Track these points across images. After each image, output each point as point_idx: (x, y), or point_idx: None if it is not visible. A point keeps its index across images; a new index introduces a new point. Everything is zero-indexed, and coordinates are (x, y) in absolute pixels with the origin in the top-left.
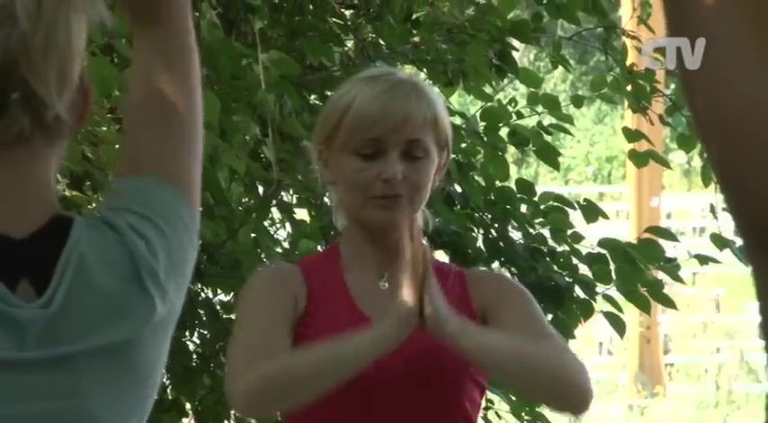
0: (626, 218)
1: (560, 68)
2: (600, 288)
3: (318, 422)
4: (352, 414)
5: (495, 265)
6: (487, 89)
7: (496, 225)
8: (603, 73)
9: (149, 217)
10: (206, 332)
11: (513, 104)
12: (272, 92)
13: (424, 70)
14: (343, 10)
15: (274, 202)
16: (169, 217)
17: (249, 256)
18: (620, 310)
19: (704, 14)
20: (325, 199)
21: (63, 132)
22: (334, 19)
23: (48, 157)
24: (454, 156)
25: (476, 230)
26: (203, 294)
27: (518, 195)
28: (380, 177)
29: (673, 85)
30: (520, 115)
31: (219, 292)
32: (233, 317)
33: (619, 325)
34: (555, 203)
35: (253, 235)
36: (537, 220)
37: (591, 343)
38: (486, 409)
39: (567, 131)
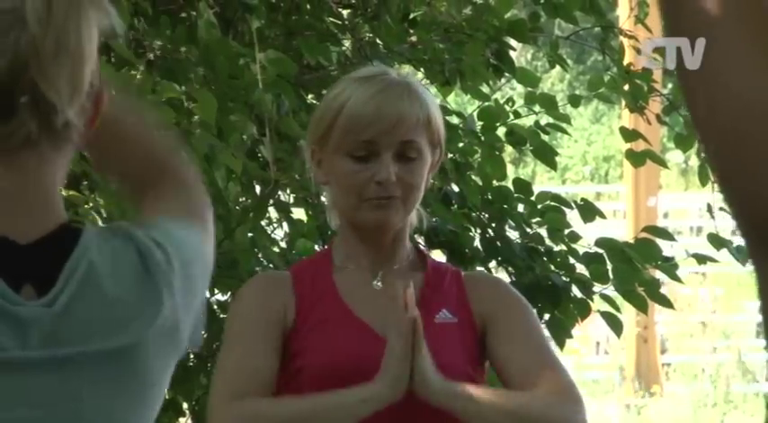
0: (623, 217)
1: (557, 68)
2: (597, 287)
3: None
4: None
5: (493, 264)
6: (485, 89)
7: (493, 224)
8: (601, 72)
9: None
10: (203, 332)
11: (510, 104)
12: (270, 91)
13: (422, 70)
14: (340, 9)
15: (271, 201)
16: (187, 247)
17: (246, 255)
18: (617, 309)
19: (702, 16)
20: (322, 198)
21: (71, 138)
22: (331, 18)
23: (55, 162)
24: (451, 155)
25: (473, 230)
26: None
27: (515, 195)
28: (374, 179)
29: (670, 85)
30: (517, 115)
31: (217, 291)
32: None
33: (616, 324)
34: (552, 203)
35: (250, 234)
36: (534, 220)
37: (588, 342)
38: None
39: (564, 131)
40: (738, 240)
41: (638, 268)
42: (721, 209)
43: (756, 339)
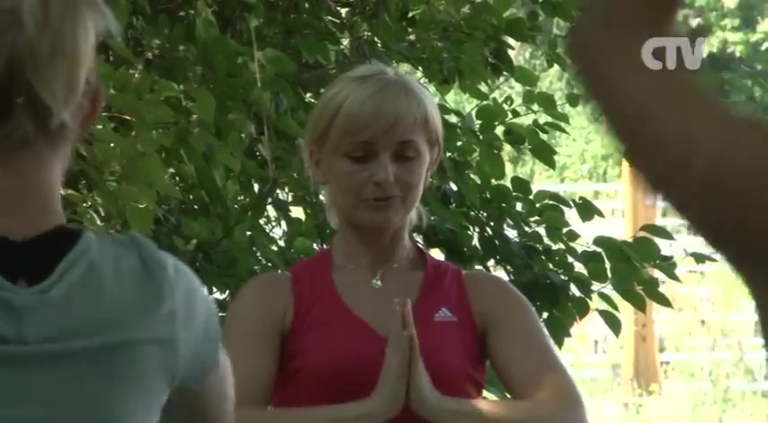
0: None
1: (556, 67)
2: (595, 286)
3: None
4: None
5: (491, 263)
6: (483, 87)
7: (492, 223)
8: None
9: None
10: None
11: (508, 103)
12: (268, 90)
13: (420, 68)
14: (338, 8)
15: (270, 200)
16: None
17: (245, 254)
18: (615, 308)
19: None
20: (321, 197)
21: (68, 137)
22: (329, 17)
23: (52, 162)
24: (450, 154)
25: (471, 229)
26: None
27: (513, 193)
28: (372, 180)
29: None
30: (515, 114)
31: (215, 290)
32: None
33: (614, 323)
34: (550, 202)
35: (248, 233)
36: (532, 219)
37: (586, 341)
38: None
39: (562, 130)
40: None
41: (636, 267)
42: None
43: (755, 338)
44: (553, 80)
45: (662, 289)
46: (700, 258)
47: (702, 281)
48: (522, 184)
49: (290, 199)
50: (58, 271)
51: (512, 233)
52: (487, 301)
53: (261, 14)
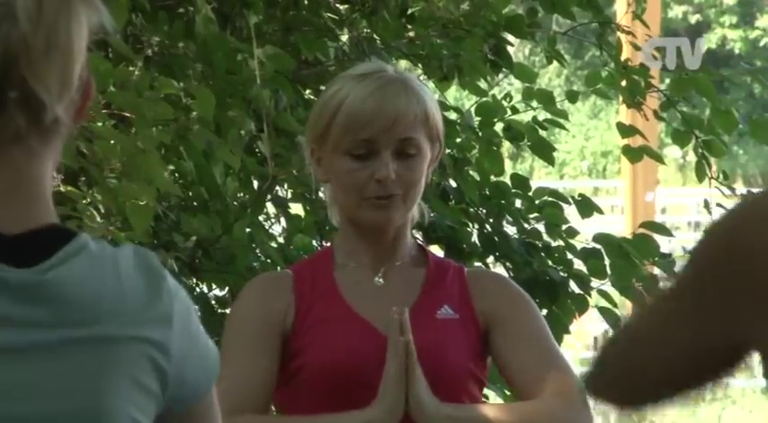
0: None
1: (555, 63)
2: (595, 283)
3: None
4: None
5: (490, 260)
6: (482, 84)
7: (491, 220)
8: (598, 68)
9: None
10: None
11: (508, 99)
12: (267, 87)
13: (419, 65)
14: (337, 5)
15: (269, 196)
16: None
17: (244, 250)
18: (614, 305)
19: None
20: (320, 194)
21: (60, 132)
22: (328, 14)
23: (43, 156)
24: (449, 151)
25: (471, 225)
26: (198, 289)
27: (513, 190)
28: (374, 178)
29: (667, 81)
30: (515, 110)
31: (214, 286)
32: (228, 311)
33: (613, 320)
34: (550, 198)
35: (248, 230)
36: (532, 215)
37: (585, 338)
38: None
39: (561, 126)
40: None
41: (635, 264)
42: (719, 205)
43: None
44: (552, 77)
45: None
46: None
47: None
48: (521, 181)
49: (289, 196)
50: (58, 257)
51: (511, 230)
52: (490, 298)
53: (260, 11)
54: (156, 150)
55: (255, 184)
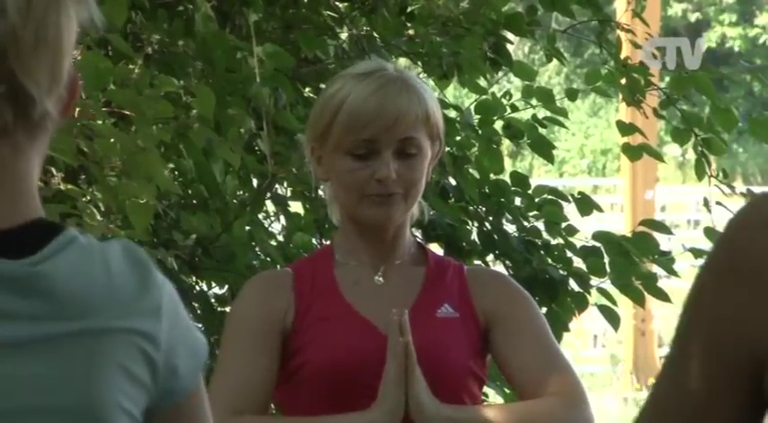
0: (620, 211)
1: (555, 61)
2: (594, 281)
3: None
4: (354, 410)
5: (490, 258)
6: (482, 82)
7: (491, 218)
8: (598, 66)
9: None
10: (200, 325)
11: (507, 97)
12: (267, 85)
13: (419, 63)
14: (337, 3)
15: (269, 195)
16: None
17: (244, 249)
18: (614, 303)
19: None
20: (320, 192)
21: (47, 128)
22: (328, 12)
23: (29, 152)
24: (449, 149)
25: (470, 223)
26: (198, 287)
27: (512, 188)
28: (375, 177)
29: (667, 79)
30: (514, 108)
31: (214, 284)
32: (228, 310)
33: (613, 318)
34: (549, 196)
35: (247, 228)
36: (531, 213)
37: (585, 336)
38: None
39: (561, 124)
40: None
41: (635, 262)
42: (718, 203)
43: None
44: (552, 75)
45: (661, 284)
46: (698, 253)
47: None
48: (520, 179)
49: (288, 194)
50: (47, 250)
51: (510, 228)
52: (490, 296)
53: (260, 9)
54: (155, 148)
55: (255, 182)
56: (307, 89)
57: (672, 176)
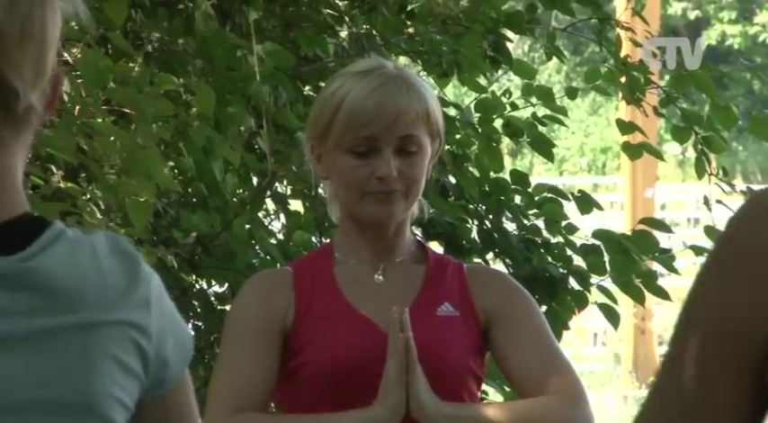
0: (620, 209)
1: (555, 60)
2: (594, 279)
3: None
4: (354, 408)
5: (490, 256)
6: (482, 80)
7: (491, 216)
8: (598, 64)
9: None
10: (200, 323)
11: (507, 96)
12: (267, 83)
13: (419, 61)
14: (337, 1)
15: (269, 193)
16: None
17: (243, 247)
18: (614, 301)
19: None
20: (320, 190)
21: (31, 123)
22: (328, 10)
23: (13, 147)
24: (449, 147)
25: (470, 222)
26: (197, 286)
27: (512, 186)
28: (375, 175)
29: (667, 77)
30: (514, 106)
31: (214, 283)
32: (228, 308)
33: (613, 316)
34: (549, 195)
35: (247, 226)
36: (531, 212)
37: (585, 334)
38: (481, 400)
39: (561, 123)
40: None
41: (635, 260)
42: (718, 201)
43: None
44: (552, 73)
45: (661, 282)
46: (698, 251)
47: None
48: (520, 177)
49: (288, 192)
50: (36, 245)
51: (510, 226)
52: (490, 295)
53: (259, 8)
54: (155, 146)
55: (255, 180)
56: (306, 87)
57: (672, 175)
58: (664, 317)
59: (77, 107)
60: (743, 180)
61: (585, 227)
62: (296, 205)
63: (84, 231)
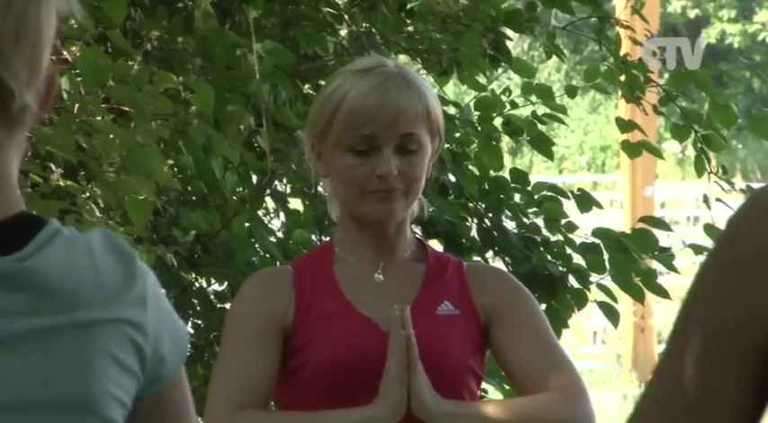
0: (620, 207)
1: (554, 58)
2: (594, 277)
3: None
4: (354, 407)
5: (489, 254)
6: (481, 79)
7: (490, 214)
8: (597, 63)
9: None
10: (200, 322)
11: (507, 94)
12: (267, 81)
13: (418, 60)
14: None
15: (268, 191)
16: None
17: (243, 245)
18: (614, 299)
19: None
20: (320, 189)
21: (25, 122)
22: (327, 8)
23: (8, 146)
24: (448, 145)
25: (470, 220)
26: (197, 284)
27: (512, 185)
28: (375, 174)
29: (666, 76)
30: (514, 105)
31: (213, 281)
32: (227, 307)
33: (612, 315)
34: (549, 193)
35: (247, 224)
36: (531, 210)
37: (585, 332)
38: (481, 398)
39: (560, 121)
40: None
41: (634, 258)
42: (718, 199)
43: None
44: (551, 71)
45: (660, 280)
46: (698, 249)
47: None
48: (520, 176)
49: (288, 190)
50: (33, 244)
51: (510, 224)
52: (490, 293)
53: (259, 6)
54: (155, 145)
55: (254, 178)
56: (306, 86)
57: (671, 173)
58: (663, 315)
59: (77, 105)
60: (742, 178)
61: (585, 225)
62: (296, 204)
63: (80, 229)
